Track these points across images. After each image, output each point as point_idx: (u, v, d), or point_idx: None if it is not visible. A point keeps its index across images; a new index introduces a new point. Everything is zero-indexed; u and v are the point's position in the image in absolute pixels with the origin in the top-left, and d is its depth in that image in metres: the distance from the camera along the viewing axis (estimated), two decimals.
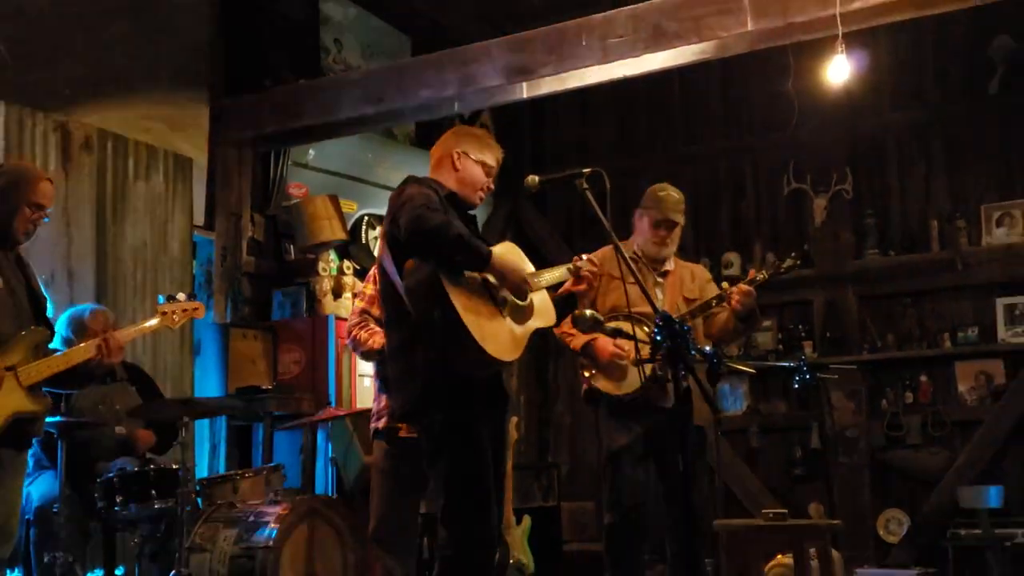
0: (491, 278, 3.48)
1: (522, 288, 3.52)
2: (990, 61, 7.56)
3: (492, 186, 3.79)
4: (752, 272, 4.60)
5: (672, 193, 4.75)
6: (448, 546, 3.32)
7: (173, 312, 4.26)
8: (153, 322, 4.24)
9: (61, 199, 5.69)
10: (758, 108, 8.31)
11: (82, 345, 3.84)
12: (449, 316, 3.25)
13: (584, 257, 3.92)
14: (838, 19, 5.15)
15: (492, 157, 3.74)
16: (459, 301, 3.28)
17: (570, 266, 3.85)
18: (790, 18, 5.33)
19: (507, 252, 3.65)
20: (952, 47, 7.72)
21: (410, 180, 3.59)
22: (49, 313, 5.26)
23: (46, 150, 5.64)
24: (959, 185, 7.68)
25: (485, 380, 3.51)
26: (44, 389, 3.73)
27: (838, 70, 5.43)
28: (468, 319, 3.26)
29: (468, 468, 3.34)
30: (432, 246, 3.28)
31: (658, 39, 5.66)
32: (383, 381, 4.58)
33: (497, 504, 3.47)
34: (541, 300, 3.69)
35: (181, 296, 4.36)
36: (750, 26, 5.39)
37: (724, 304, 4.52)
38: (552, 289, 3.83)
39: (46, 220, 3.81)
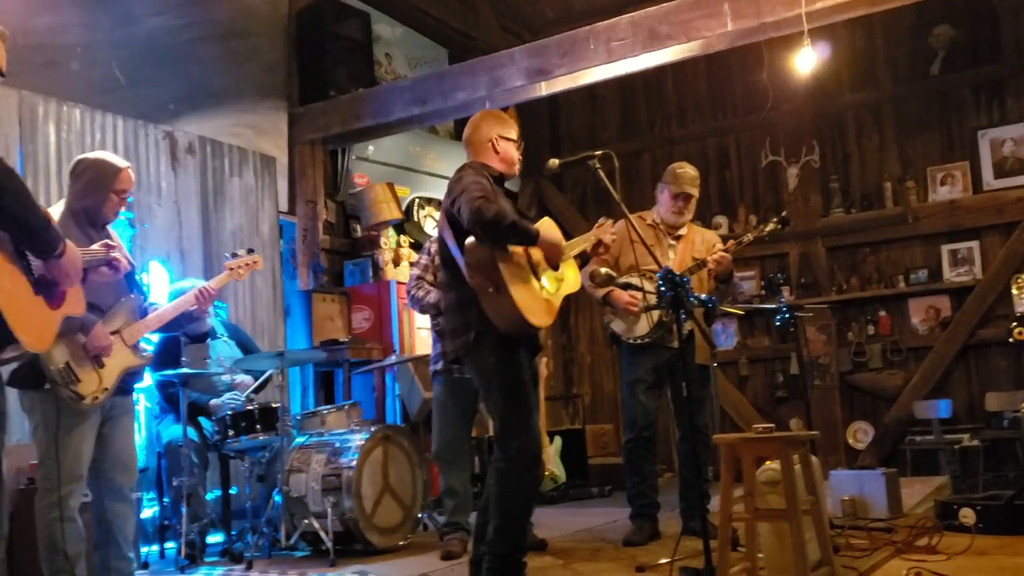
0: (534, 253, 3.46)
1: (558, 261, 3.52)
2: (931, 48, 7.48)
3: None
4: (731, 243, 4.55)
5: (688, 170, 4.65)
6: (503, 460, 3.36)
7: (238, 267, 4.21)
8: (223, 275, 4.16)
9: (172, 193, 5.77)
10: (738, 94, 8.24)
11: (180, 299, 3.82)
12: (501, 290, 3.28)
13: (607, 221, 3.91)
14: (803, 18, 5.10)
15: (515, 131, 3.68)
16: (509, 276, 3.29)
17: (592, 236, 3.79)
18: (763, 18, 5.28)
19: (546, 229, 3.64)
20: (899, 37, 7.61)
21: (466, 167, 3.53)
22: (172, 281, 5.34)
23: (157, 155, 5.69)
24: (908, 152, 7.60)
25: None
26: (159, 333, 3.69)
27: (805, 60, 5.37)
28: (515, 293, 3.27)
29: (516, 399, 3.37)
30: (491, 233, 3.27)
31: (653, 40, 5.62)
32: (438, 332, 4.62)
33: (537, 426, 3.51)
34: (570, 269, 3.68)
35: (242, 252, 4.30)
36: (730, 27, 5.35)
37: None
38: (578, 257, 3.83)
39: (130, 200, 3.69)
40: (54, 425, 3.27)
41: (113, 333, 3.44)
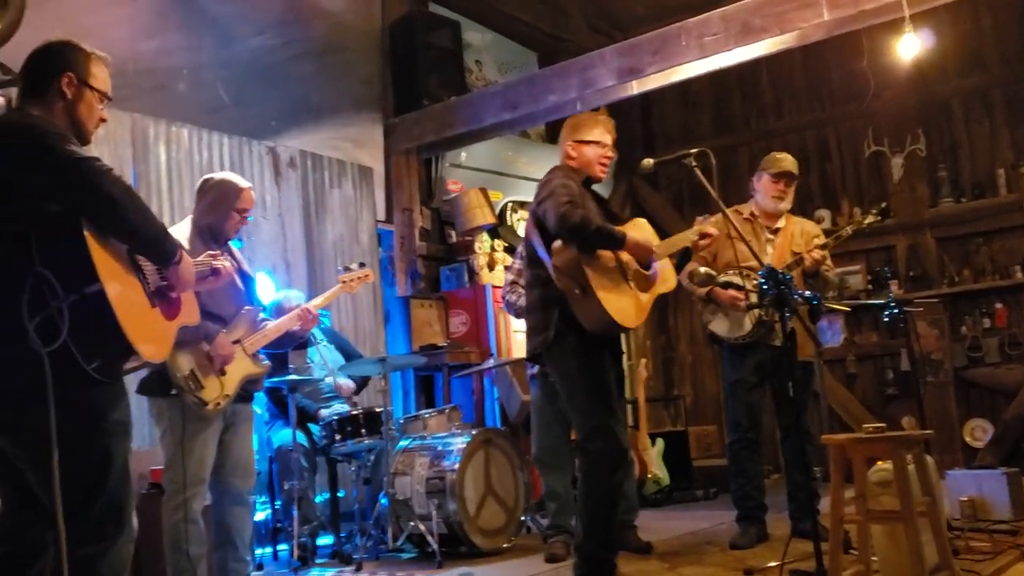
0: (623, 255, 3.46)
1: (648, 262, 3.50)
2: None
3: (611, 154, 3.68)
4: (830, 240, 4.45)
5: (787, 155, 4.60)
6: (587, 462, 3.37)
7: (351, 280, 4.31)
8: (336, 288, 4.28)
9: (276, 206, 5.95)
10: (837, 84, 8.04)
11: (286, 317, 3.94)
12: (588, 292, 3.29)
13: (705, 217, 3.88)
14: (904, 3, 4.94)
15: (600, 132, 3.64)
16: (596, 279, 3.30)
17: (692, 236, 3.76)
18: (861, 6, 5.13)
19: (638, 229, 3.63)
20: (1007, 18, 7.30)
21: (556, 170, 3.57)
22: (278, 289, 5.51)
23: (262, 170, 5.87)
24: (1021, 138, 7.29)
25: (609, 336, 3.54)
26: (264, 351, 3.83)
27: (907, 47, 5.20)
28: (602, 295, 3.28)
29: (598, 401, 3.37)
30: (576, 238, 3.29)
31: (747, 34, 5.53)
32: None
33: (623, 425, 3.50)
34: (664, 268, 3.65)
35: (354, 266, 4.40)
36: (826, 16, 5.22)
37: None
38: (673, 256, 3.80)
39: (250, 219, 3.84)
40: (180, 431, 3.43)
41: (234, 342, 3.60)
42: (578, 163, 3.61)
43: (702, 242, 3.77)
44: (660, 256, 3.61)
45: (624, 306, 3.37)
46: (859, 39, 6.73)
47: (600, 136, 3.64)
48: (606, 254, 3.40)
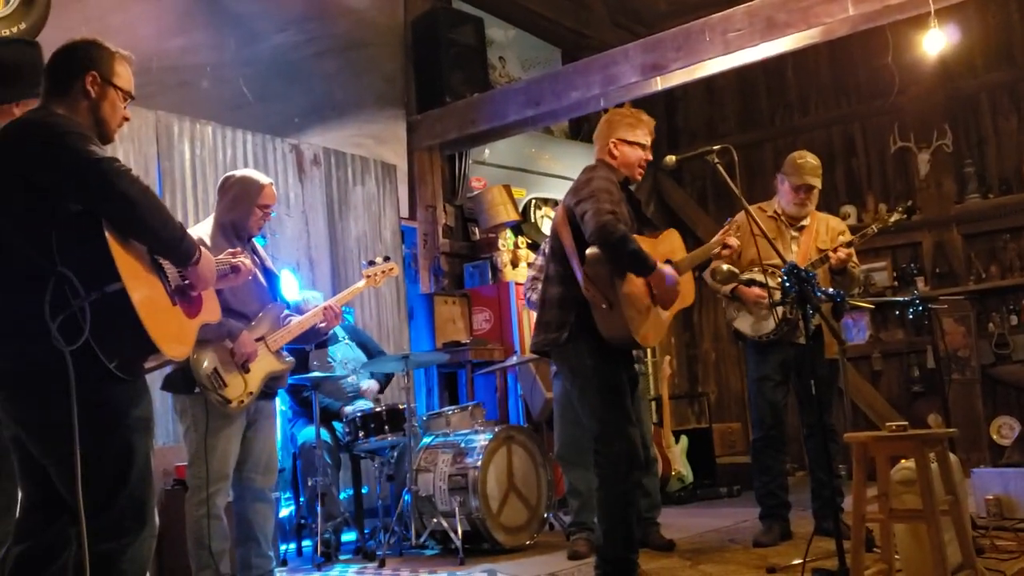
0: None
1: (671, 295, 3.48)
2: None
3: (650, 157, 3.66)
4: (855, 238, 4.40)
5: (810, 160, 4.48)
6: (604, 464, 3.36)
7: (375, 274, 4.30)
8: (360, 283, 4.28)
9: (299, 204, 5.98)
10: (863, 80, 7.95)
11: (309, 313, 3.95)
12: (615, 308, 3.28)
13: (730, 221, 3.85)
14: None
15: (643, 134, 3.62)
16: (625, 297, 3.29)
17: (714, 248, 3.76)
18: (886, 1, 5.07)
19: (668, 242, 3.60)
20: None
21: (597, 168, 3.53)
22: (302, 288, 5.53)
23: (285, 167, 5.90)
24: None
25: None
26: (287, 347, 3.83)
27: (933, 42, 5.15)
28: (629, 314, 3.27)
29: (614, 402, 3.35)
30: (612, 255, 3.28)
31: (771, 29, 5.48)
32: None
33: (639, 429, 3.48)
34: (685, 283, 3.62)
35: (379, 260, 4.39)
36: (851, 11, 5.16)
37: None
38: (696, 269, 3.78)
39: (273, 215, 3.85)
40: (203, 427, 3.46)
41: (258, 340, 3.62)
42: (619, 163, 3.59)
43: (724, 251, 3.78)
44: (683, 271, 3.59)
45: (647, 327, 3.38)
46: (884, 34, 6.66)
47: (643, 138, 3.62)
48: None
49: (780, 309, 4.20)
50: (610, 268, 3.30)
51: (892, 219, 4.35)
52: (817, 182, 4.48)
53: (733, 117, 8.76)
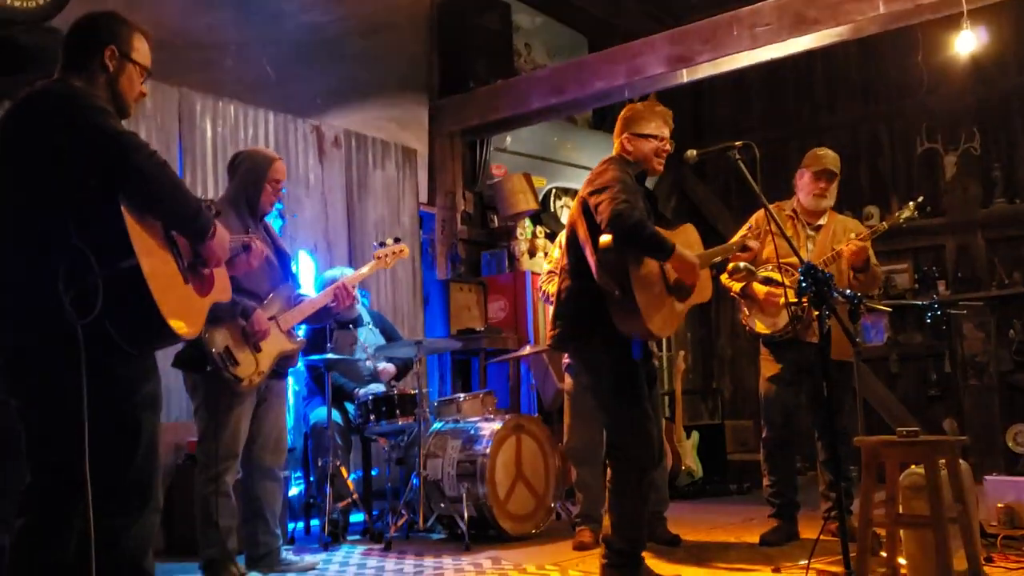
0: (667, 264, 3.40)
1: (692, 275, 3.43)
2: None
3: (669, 147, 3.60)
4: (867, 232, 4.36)
5: (829, 152, 4.52)
6: (618, 457, 3.35)
7: (386, 255, 4.32)
8: (371, 264, 4.29)
9: (319, 185, 5.99)
10: (891, 79, 7.87)
11: (321, 294, 3.97)
12: (627, 295, 3.25)
13: (750, 227, 3.81)
14: None
15: (657, 125, 3.55)
16: (638, 283, 3.26)
17: (733, 248, 3.75)
18: (918, 0, 5.01)
19: (684, 235, 3.57)
20: None
21: (611, 161, 3.50)
22: (318, 270, 5.54)
23: (305, 148, 5.91)
24: None
25: None
26: (304, 325, 3.85)
27: (964, 43, 5.08)
28: (641, 301, 3.24)
29: (630, 396, 3.34)
30: (628, 241, 3.25)
31: (800, 25, 5.44)
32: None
33: (654, 423, 3.47)
34: (702, 278, 3.58)
35: (390, 241, 4.40)
36: (882, 9, 5.12)
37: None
38: (713, 267, 3.75)
39: (284, 191, 3.85)
40: (214, 405, 3.49)
41: (270, 319, 3.63)
42: (634, 157, 3.55)
43: (742, 254, 3.77)
44: (702, 266, 3.56)
45: (659, 315, 3.33)
46: (915, 33, 6.57)
47: (657, 129, 3.56)
48: (651, 260, 3.36)
49: (792, 308, 4.17)
50: (623, 255, 3.28)
51: (903, 216, 4.31)
52: (837, 170, 4.47)
53: (759, 113, 8.70)
